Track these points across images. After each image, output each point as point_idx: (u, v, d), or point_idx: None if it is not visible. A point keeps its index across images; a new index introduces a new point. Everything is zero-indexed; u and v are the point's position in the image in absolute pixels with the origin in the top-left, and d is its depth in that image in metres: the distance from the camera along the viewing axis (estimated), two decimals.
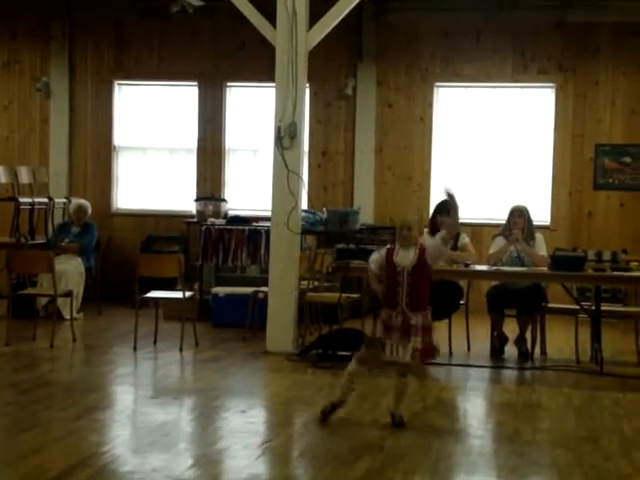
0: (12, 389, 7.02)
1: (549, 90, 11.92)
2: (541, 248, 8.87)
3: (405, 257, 6.08)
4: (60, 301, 9.64)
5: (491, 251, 8.92)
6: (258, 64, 11.53)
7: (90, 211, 11.18)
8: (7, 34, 12.66)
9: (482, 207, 11.87)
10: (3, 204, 11.31)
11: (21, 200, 11.33)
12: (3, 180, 11.55)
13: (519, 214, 8.92)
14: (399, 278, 6.05)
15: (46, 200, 11.66)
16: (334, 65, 12.17)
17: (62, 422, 6.04)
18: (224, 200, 12.15)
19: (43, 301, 10.23)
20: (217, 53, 12.38)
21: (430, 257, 6.11)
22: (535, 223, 9.20)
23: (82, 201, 11.30)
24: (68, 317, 9.76)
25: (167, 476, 4.99)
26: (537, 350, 8.81)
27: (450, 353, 8.77)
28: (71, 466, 5.06)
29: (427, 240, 6.71)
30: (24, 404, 6.52)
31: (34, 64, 12.69)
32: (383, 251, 6.22)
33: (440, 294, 8.72)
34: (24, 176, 11.81)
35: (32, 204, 11.48)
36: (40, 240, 11.11)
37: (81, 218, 11.02)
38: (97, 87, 12.65)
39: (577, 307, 8.78)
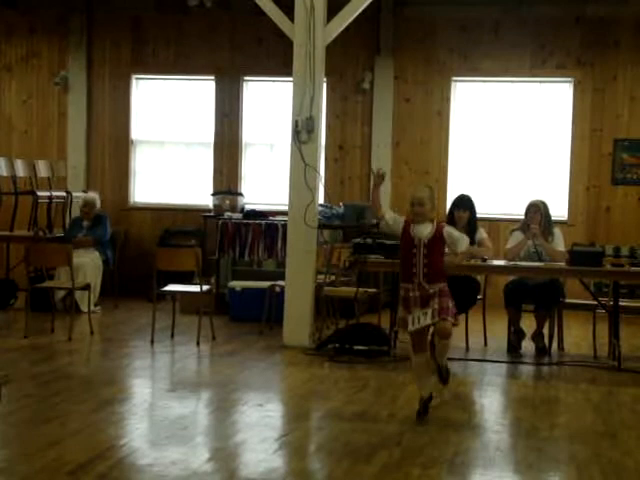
0: (31, 381, 7.05)
1: (567, 85, 11.87)
2: (559, 243, 8.82)
3: (421, 230, 6.09)
4: (78, 294, 9.68)
5: (508, 246, 8.89)
6: (275, 58, 11.53)
7: (99, 204, 11.18)
8: (26, 28, 12.71)
9: (499, 202, 11.84)
10: (22, 197, 11.33)
11: (39, 194, 11.37)
12: (22, 174, 11.59)
13: (536, 209, 8.87)
14: (415, 250, 6.05)
15: (64, 194, 11.69)
16: (351, 59, 12.15)
17: (80, 415, 6.08)
18: (241, 194, 12.17)
19: (61, 294, 10.30)
20: (234, 47, 12.38)
21: (447, 235, 6.11)
22: (552, 218, 9.16)
23: (89, 195, 11.29)
24: (86, 310, 9.80)
25: (185, 469, 5.01)
26: (554, 346, 8.79)
27: (467, 348, 8.77)
28: (89, 458, 5.08)
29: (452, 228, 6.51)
30: (43, 396, 6.56)
31: (52, 58, 12.74)
32: (402, 219, 6.22)
33: (457, 289, 8.70)
34: (42, 170, 11.87)
35: (50, 197, 11.52)
36: (58, 233, 11.14)
37: (89, 212, 10.99)
38: (115, 81, 12.69)
39: (595, 303, 8.75)
